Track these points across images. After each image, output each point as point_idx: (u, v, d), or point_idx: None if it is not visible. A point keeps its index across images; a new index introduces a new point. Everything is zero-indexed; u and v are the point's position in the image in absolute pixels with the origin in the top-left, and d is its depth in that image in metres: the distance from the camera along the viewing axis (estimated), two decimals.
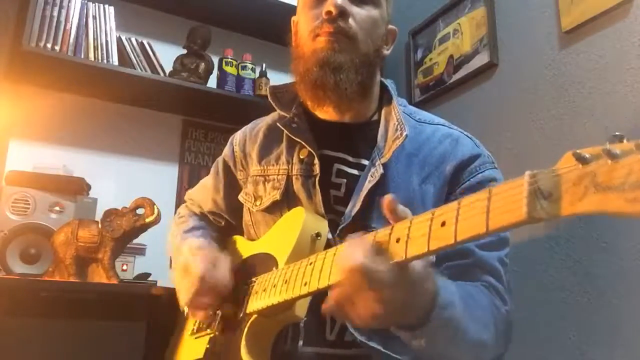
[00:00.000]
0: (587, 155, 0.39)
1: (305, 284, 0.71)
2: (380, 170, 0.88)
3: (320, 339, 0.86)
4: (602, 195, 0.37)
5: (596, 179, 0.38)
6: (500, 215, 0.46)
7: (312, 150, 0.94)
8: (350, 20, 0.92)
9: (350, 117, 0.99)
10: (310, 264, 0.73)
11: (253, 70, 2.20)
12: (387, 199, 0.60)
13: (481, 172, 0.90)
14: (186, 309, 0.91)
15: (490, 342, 0.75)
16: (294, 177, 0.95)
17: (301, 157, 0.96)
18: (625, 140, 0.39)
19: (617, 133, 0.39)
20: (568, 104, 1.45)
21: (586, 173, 0.39)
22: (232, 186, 1.10)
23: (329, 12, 0.90)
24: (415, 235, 0.55)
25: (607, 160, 0.38)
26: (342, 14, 0.90)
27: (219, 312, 0.90)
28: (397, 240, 0.57)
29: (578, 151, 0.40)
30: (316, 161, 0.93)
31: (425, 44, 2.11)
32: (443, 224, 0.52)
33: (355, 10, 0.92)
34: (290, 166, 0.97)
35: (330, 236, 0.87)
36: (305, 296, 0.73)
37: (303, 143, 0.96)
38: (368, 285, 0.57)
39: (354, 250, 0.59)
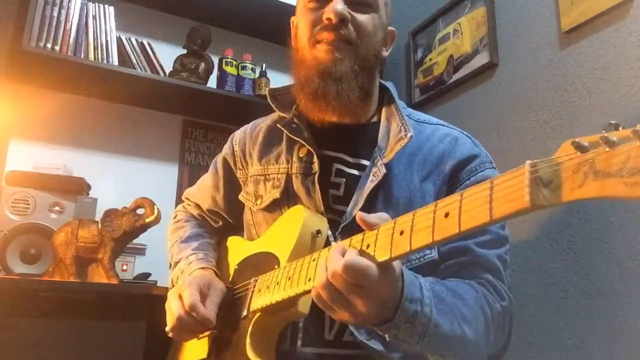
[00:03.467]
0: (586, 144, 0.40)
1: (310, 280, 0.72)
2: (383, 170, 0.88)
3: (319, 339, 0.86)
4: (601, 181, 0.38)
5: (595, 166, 0.39)
6: (504, 204, 0.47)
7: (311, 149, 0.95)
8: (350, 27, 0.92)
9: (349, 119, 0.99)
10: (313, 260, 0.74)
11: (253, 70, 2.20)
12: (358, 217, 0.65)
13: (480, 172, 0.91)
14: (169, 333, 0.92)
15: (473, 337, 0.74)
16: (293, 176, 0.96)
17: (300, 155, 0.96)
18: (621, 128, 0.40)
19: (612, 121, 0.40)
20: (568, 104, 1.45)
21: (585, 160, 0.40)
22: (231, 184, 1.11)
23: (329, 19, 0.90)
24: (419, 227, 0.56)
25: (605, 147, 0.39)
26: (342, 20, 0.91)
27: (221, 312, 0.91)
28: (401, 233, 0.59)
29: (576, 140, 0.41)
30: (315, 159, 0.93)
31: (425, 44, 2.11)
32: (446, 215, 0.53)
33: (354, 15, 0.92)
34: (290, 165, 0.97)
35: (330, 235, 0.87)
36: (308, 292, 0.74)
37: (302, 142, 0.96)
38: (359, 282, 0.60)
39: (342, 252, 0.64)
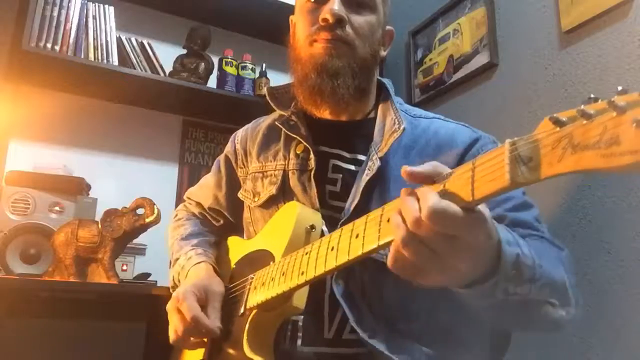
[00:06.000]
0: (564, 119, 0.40)
1: (302, 274, 0.72)
2: (378, 163, 0.88)
3: (319, 338, 0.86)
4: (579, 154, 0.38)
5: (573, 140, 0.39)
6: (485, 184, 0.47)
7: (307, 145, 0.95)
8: (348, 28, 0.92)
9: (346, 116, 1.00)
10: (306, 253, 0.74)
11: (253, 70, 2.20)
12: (404, 171, 0.55)
13: (483, 152, 0.90)
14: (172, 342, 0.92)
15: (567, 282, 0.70)
16: (290, 172, 0.96)
17: (297, 152, 0.97)
18: (600, 101, 0.39)
19: (592, 95, 0.40)
20: (568, 104, 1.45)
21: (563, 135, 0.40)
22: (233, 183, 1.11)
23: (325, 20, 0.91)
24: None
25: (582, 120, 0.39)
26: (339, 21, 0.91)
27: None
28: (389, 221, 0.55)
29: (555, 115, 0.41)
30: (312, 156, 0.94)
31: (425, 44, 2.11)
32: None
33: (352, 16, 0.93)
34: (287, 161, 0.98)
35: (326, 231, 0.88)
36: (302, 285, 0.74)
37: (299, 139, 0.97)
38: (455, 230, 0.50)
39: (423, 196, 0.52)
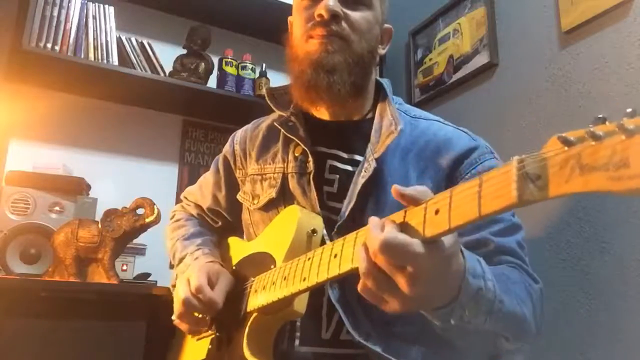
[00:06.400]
0: (572, 138, 0.41)
1: (304, 279, 0.72)
2: (374, 165, 0.88)
3: (317, 339, 0.86)
4: (587, 175, 0.39)
5: (581, 160, 0.39)
6: (492, 200, 0.47)
7: (305, 148, 0.95)
8: (343, 23, 0.92)
9: (344, 115, 0.99)
10: (309, 259, 0.74)
11: (253, 70, 2.20)
12: (394, 190, 0.57)
13: (481, 163, 0.90)
14: (175, 320, 0.93)
15: (529, 317, 0.73)
16: (289, 175, 0.96)
17: (296, 154, 0.97)
18: (607, 122, 0.40)
19: (600, 115, 0.40)
20: (568, 104, 1.45)
21: (571, 155, 0.40)
22: (232, 183, 1.11)
23: (320, 16, 0.91)
24: (411, 225, 0.56)
25: (591, 141, 0.39)
26: (335, 17, 0.91)
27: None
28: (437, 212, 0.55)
29: (563, 135, 0.41)
30: (310, 158, 0.94)
31: (425, 44, 2.11)
32: (437, 212, 0.53)
33: (348, 12, 0.92)
34: (285, 164, 0.98)
35: (326, 234, 0.87)
36: (304, 291, 0.74)
37: (297, 141, 0.97)
38: (405, 262, 0.53)
39: (382, 229, 0.55)
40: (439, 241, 0.54)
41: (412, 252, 0.52)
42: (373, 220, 0.57)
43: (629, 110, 0.38)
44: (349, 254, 0.65)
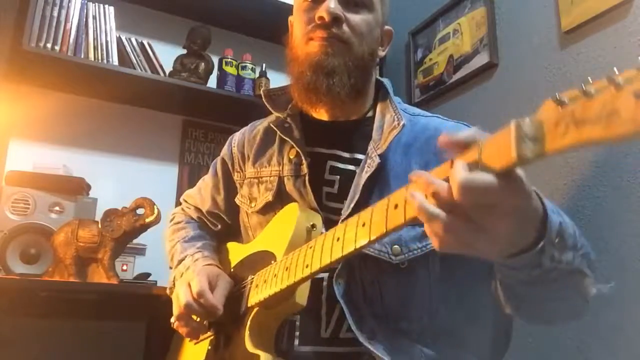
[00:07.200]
0: (566, 99, 0.43)
1: (307, 266, 0.72)
2: (377, 160, 0.88)
3: (316, 337, 0.85)
4: (581, 128, 0.41)
5: (575, 116, 0.41)
6: (492, 160, 0.49)
7: (299, 149, 0.95)
8: (344, 26, 0.92)
9: (343, 116, 1.00)
10: (310, 247, 0.74)
11: (253, 70, 2.20)
12: (442, 140, 0.54)
13: None
14: (175, 323, 0.93)
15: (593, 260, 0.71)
16: (285, 178, 0.96)
17: (290, 157, 0.97)
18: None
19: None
20: None
21: (566, 114, 0.42)
22: (230, 186, 1.11)
23: (321, 18, 0.91)
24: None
25: (584, 99, 0.41)
26: (336, 20, 0.91)
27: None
28: (396, 207, 0.57)
29: (557, 96, 0.44)
30: (304, 160, 0.94)
31: (425, 44, 2.11)
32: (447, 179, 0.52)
33: (349, 15, 0.92)
34: (281, 167, 0.98)
35: (324, 232, 0.87)
36: (307, 279, 0.74)
37: (292, 143, 0.96)
38: (486, 200, 0.49)
39: (451, 173, 0.51)
40: (514, 173, 0.50)
41: (496, 187, 0.48)
42: (416, 174, 0.55)
43: (615, 69, 0.41)
44: (352, 235, 0.65)
